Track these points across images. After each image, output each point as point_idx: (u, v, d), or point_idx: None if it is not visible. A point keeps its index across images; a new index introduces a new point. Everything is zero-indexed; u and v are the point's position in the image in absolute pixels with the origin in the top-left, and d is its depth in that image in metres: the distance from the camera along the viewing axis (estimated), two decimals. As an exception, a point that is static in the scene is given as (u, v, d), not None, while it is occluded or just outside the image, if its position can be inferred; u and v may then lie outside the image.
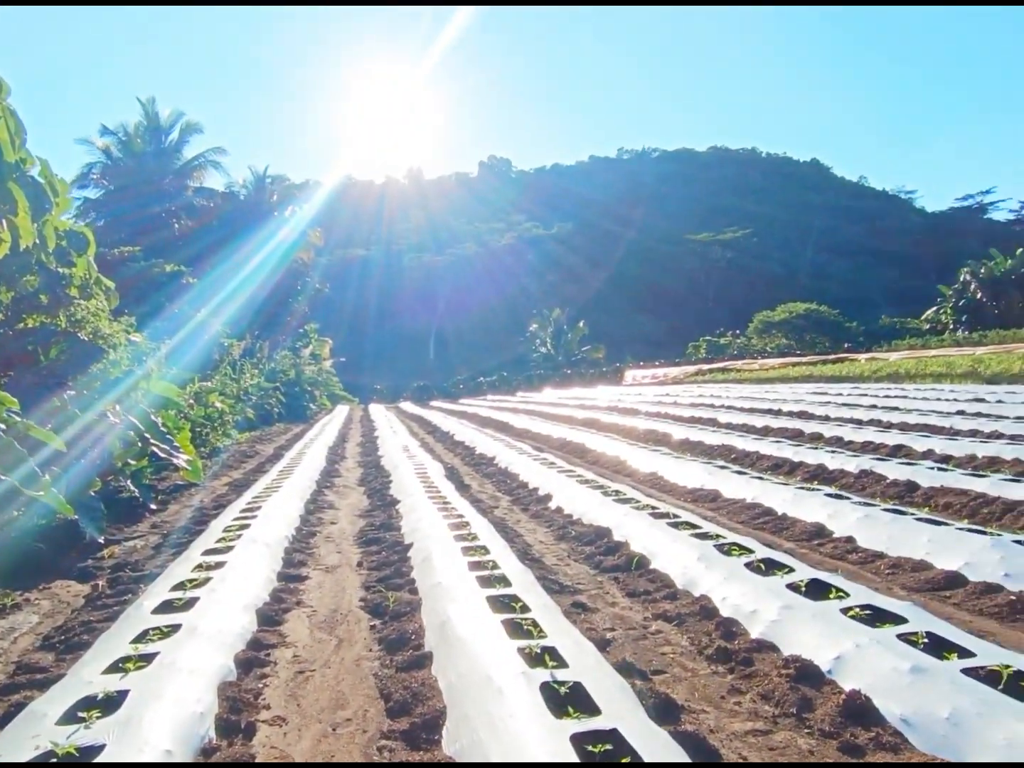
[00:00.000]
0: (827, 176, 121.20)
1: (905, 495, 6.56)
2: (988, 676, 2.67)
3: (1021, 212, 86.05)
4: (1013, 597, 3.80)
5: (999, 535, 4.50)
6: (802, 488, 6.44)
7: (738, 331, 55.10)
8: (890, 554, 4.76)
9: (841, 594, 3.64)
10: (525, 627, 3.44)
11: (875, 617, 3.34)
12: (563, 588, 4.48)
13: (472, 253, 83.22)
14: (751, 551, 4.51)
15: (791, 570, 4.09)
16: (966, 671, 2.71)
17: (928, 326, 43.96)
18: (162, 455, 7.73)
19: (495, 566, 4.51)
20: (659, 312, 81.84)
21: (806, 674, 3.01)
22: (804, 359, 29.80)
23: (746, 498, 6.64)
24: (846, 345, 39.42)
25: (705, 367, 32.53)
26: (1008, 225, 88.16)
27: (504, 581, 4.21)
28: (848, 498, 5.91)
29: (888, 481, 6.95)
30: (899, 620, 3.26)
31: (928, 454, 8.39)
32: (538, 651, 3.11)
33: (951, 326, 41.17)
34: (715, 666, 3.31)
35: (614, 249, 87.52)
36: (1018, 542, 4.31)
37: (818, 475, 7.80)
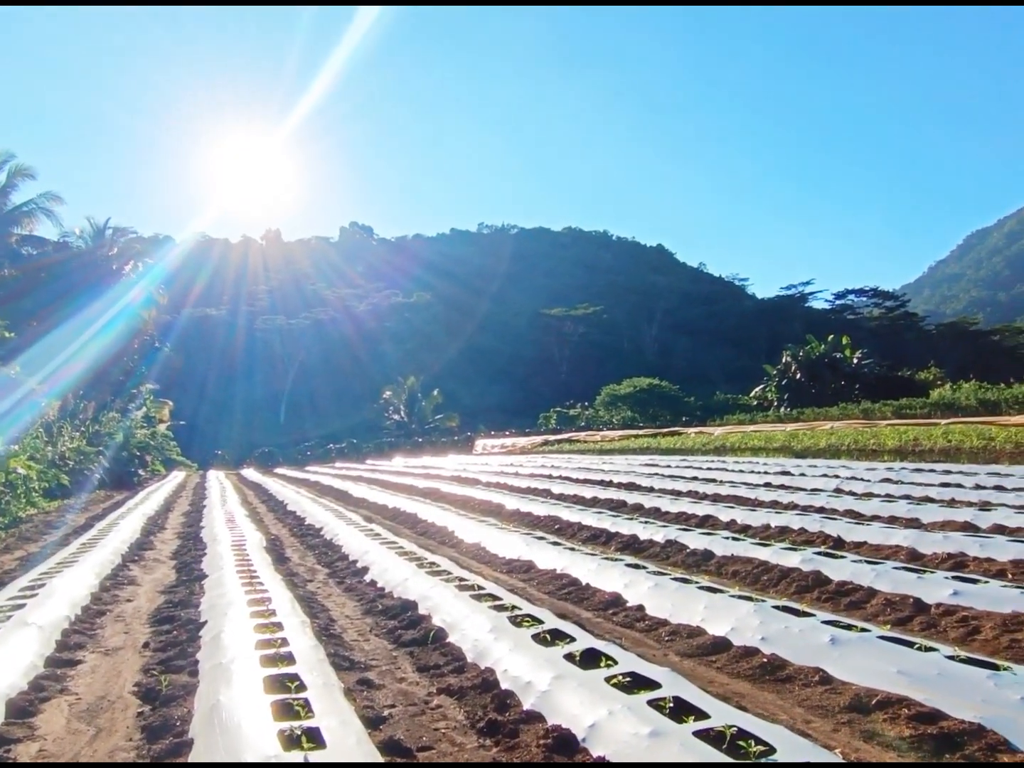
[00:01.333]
0: (671, 261, 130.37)
1: (701, 563, 7.00)
2: (715, 736, 2.89)
3: (835, 303, 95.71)
4: (765, 659, 4.13)
5: (763, 601, 4.90)
6: (607, 559, 6.72)
7: (587, 403, 57.23)
8: (672, 621, 5.05)
9: (610, 662, 3.82)
10: (295, 707, 3.37)
11: (635, 683, 3.53)
12: (354, 665, 4.42)
13: (329, 318, 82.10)
14: (542, 622, 4.65)
15: (572, 640, 4.24)
16: (697, 733, 2.91)
17: (756, 402, 47.53)
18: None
19: (284, 643, 4.39)
20: (515, 382, 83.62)
21: (563, 743, 3.12)
22: (641, 432, 31.37)
23: (556, 568, 6.84)
24: (683, 419, 41.91)
25: (552, 438, 33.48)
26: (825, 313, 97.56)
27: (289, 660, 4.10)
28: (644, 567, 6.24)
29: (689, 550, 7.39)
30: (654, 686, 3.47)
31: (730, 524, 9.02)
32: (299, 733, 3.05)
33: (775, 403, 44.72)
34: (483, 739, 3.36)
35: (472, 320, 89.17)
36: (777, 607, 4.71)
37: (630, 544, 8.18)
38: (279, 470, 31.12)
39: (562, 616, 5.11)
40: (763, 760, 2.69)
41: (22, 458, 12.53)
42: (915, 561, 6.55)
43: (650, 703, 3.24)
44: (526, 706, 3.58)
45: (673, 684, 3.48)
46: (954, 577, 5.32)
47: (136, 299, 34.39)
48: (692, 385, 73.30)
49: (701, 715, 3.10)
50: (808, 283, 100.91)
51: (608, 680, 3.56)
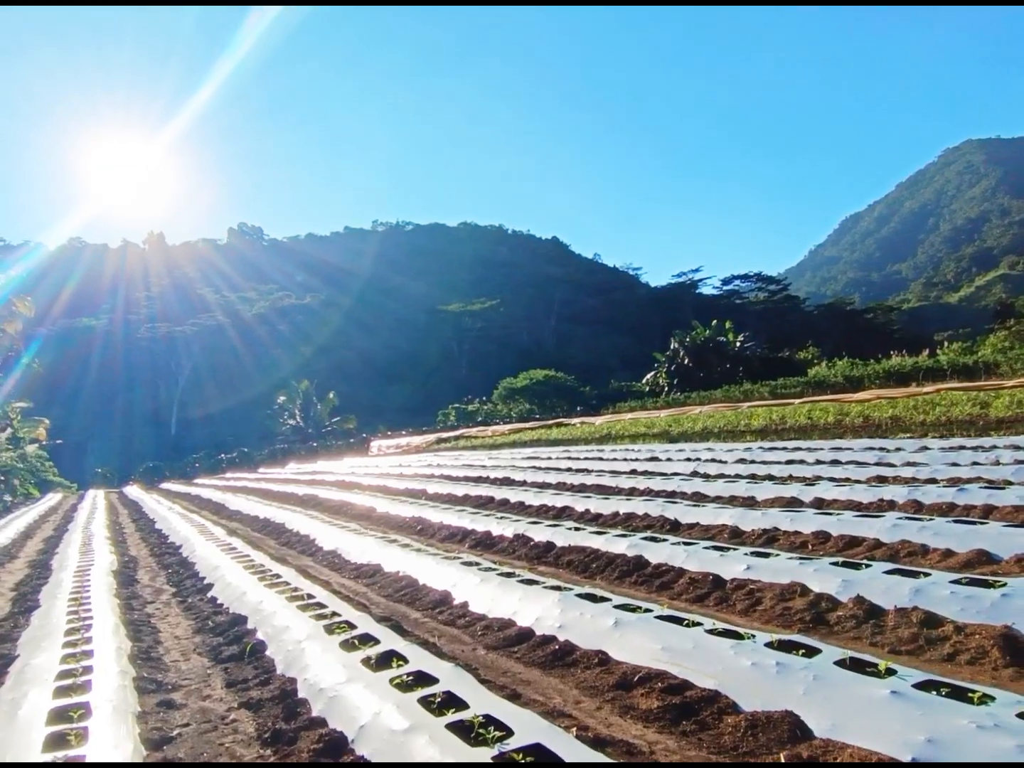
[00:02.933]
0: (566, 253, 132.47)
1: (543, 555, 7.28)
2: (465, 726, 3.07)
3: (722, 288, 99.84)
4: (558, 646, 4.39)
5: (571, 589, 5.18)
6: (446, 558, 6.89)
7: (485, 398, 57.58)
8: (490, 615, 5.27)
9: (401, 663, 3.98)
10: (69, 737, 3.36)
11: (417, 681, 3.69)
12: (160, 687, 4.41)
13: (219, 323, 79.31)
14: (355, 627, 4.76)
15: (376, 643, 4.37)
16: (450, 724, 3.10)
17: (648, 388, 49.01)
18: None
19: (87, 671, 4.34)
20: (415, 380, 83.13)
21: (334, 746, 3.26)
22: (528, 425, 31.91)
23: (400, 571, 6.97)
24: (578, 409, 42.84)
25: (444, 435, 33.57)
26: (714, 298, 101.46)
27: (84, 688, 4.06)
28: (478, 564, 6.44)
29: (533, 543, 7.67)
30: (433, 682, 3.64)
31: (584, 513, 9.38)
32: (60, 763, 3.06)
33: (666, 388, 46.26)
34: (264, 749, 3.45)
35: (367, 320, 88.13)
36: (581, 595, 4.99)
37: (482, 541, 8.40)
38: (164, 485, 29.99)
39: (384, 619, 5.24)
40: (502, 744, 2.88)
41: None
42: (736, 538, 7.02)
43: (421, 700, 3.41)
44: (314, 712, 3.69)
45: (452, 680, 3.66)
46: (753, 553, 5.75)
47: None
48: (591, 374, 74.91)
49: (462, 707, 3.29)
50: (697, 270, 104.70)
51: (392, 680, 3.70)
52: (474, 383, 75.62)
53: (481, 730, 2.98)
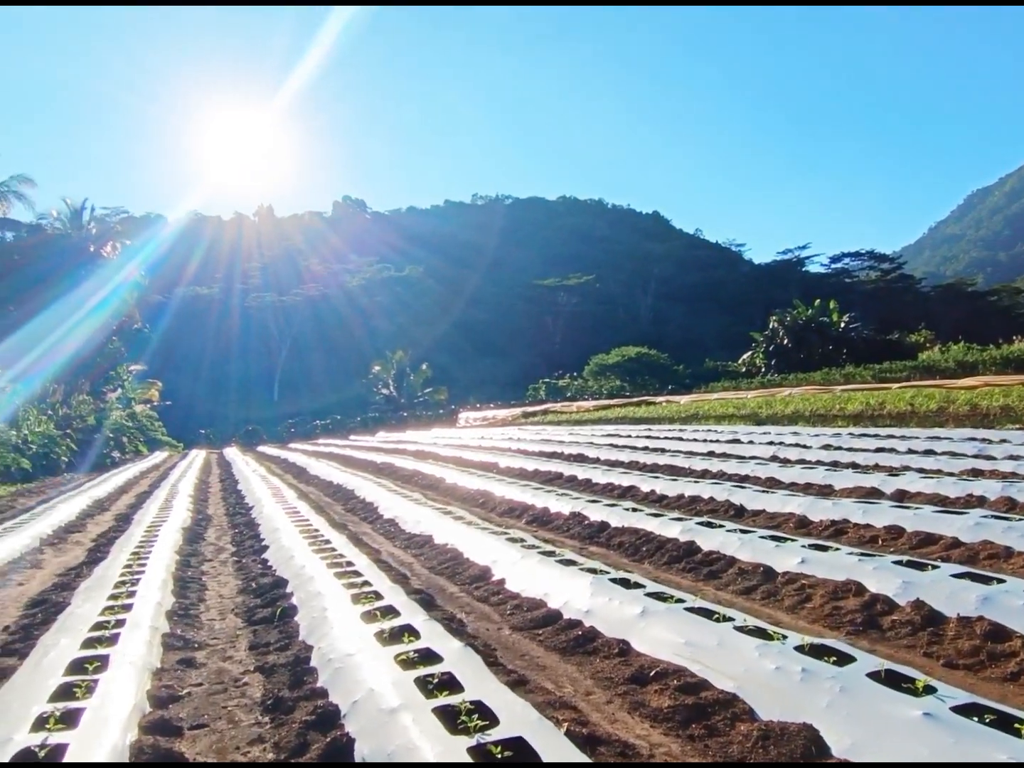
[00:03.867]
0: (667, 228, 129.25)
1: (595, 535, 7.04)
2: (451, 712, 2.92)
3: (830, 266, 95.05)
4: (581, 632, 4.17)
5: (606, 573, 4.93)
6: (493, 533, 6.76)
7: (576, 373, 57.15)
8: (523, 594, 5.10)
9: (412, 638, 3.86)
10: (75, 690, 3.41)
11: (422, 659, 3.56)
12: (187, 644, 4.48)
13: (322, 293, 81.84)
14: (381, 598, 4.69)
15: (396, 615, 4.28)
16: (436, 708, 2.95)
17: (744, 369, 47.41)
18: None
19: (119, 624, 4.44)
20: (508, 354, 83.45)
21: (325, 718, 3.17)
22: (613, 402, 31.34)
23: (448, 543, 6.89)
24: (669, 388, 41.92)
25: (530, 409, 33.47)
26: (822, 277, 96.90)
27: (110, 642, 4.14)
28: (523, 540, 6.27)
29: (587, 522, 7.44)
30: (437, 661, 3.50)
31: (649, 494, 9.07)
32: (59, 713, 3.10)
33: (763, 369, 44.61)
34: (262, 716, 3.41)
35: (464, 293, 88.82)
36: (614, 580, 4.74)
37: (539, 518, 8.24)
38: (260, 448, 31.26)
39: (416, 592, 5.17)
40: (483, 735, 2.71)
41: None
42: (801, 528, 6.59)
43: (419, 679, 3.28)
44: (318, 683, 3.62)
45: (457, 660, 3.51)
46: (812, 545, 5.34)
47: (116, 282, 34.31)
48: (686, 353, 73.21)
49: (457, 690, 3.13)
50: (804, 247, 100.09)
51: (397, 656, 3.59)
52: (567, 358, 75.24)
53: (465, 717, 2.81)
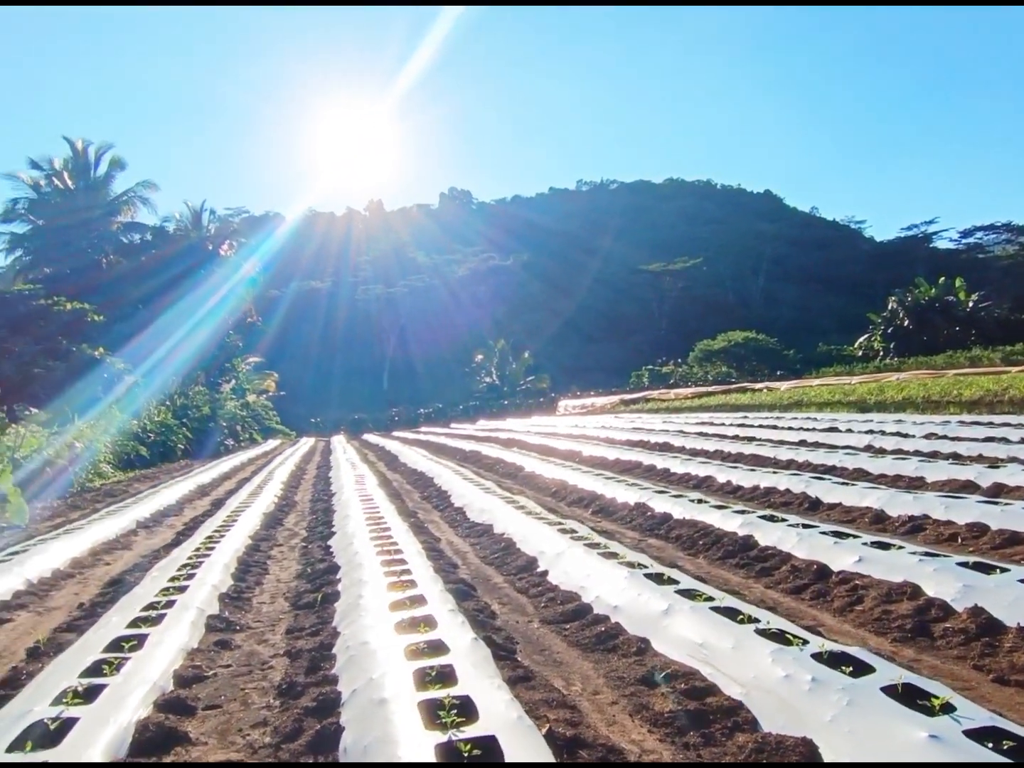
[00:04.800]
0: (779, 206, 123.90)
1: (656, 527, 6.85)
2: (433, 706, 2.88)
3: (961, 241, 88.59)
4: (604, 629, 4.04)
5: (644, 568, 4.76)
6: (548, 522, 6.67)
7: (680, 360, 55.85)
8: (561, 587, 5.00)
9: (427, 629, 3.85)
10: (106, 665, 3.60)
11: (430, 650, 3.54)
12: (229, 626, 4.64)
13: (427, 284, 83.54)
14: (415, 586, 4.71)
15: (422, 604, 4.28)
16: (423, 701, 2.92)
17: (861, 352, 44.94)
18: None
19: (168, 605, 4.66)
20: (613, 341, 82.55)
21: (324, 706, 3.21)
22: (710, 389, 30.36)
23: (505, 532, 6.87)
24: (778, 373, 40.30)
25: (627, 397, 32.98)
26: (952, 253, 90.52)
27: (155, 621, 4.36)
28: (574, 531, 6.16)
29: (650, 514, 7.24)
30: (444, 653, 3.48)
31: (724, 485, 8.76)
32: (82, 689, 3.27)
33: (880, 353, 42.16)
34: (274, 700, 3.49)
35: (570, 279, 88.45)
36: (649, 575, 4.57)
37: (604, 508, 8.10)
38: (365, 436, 32.30)
39: (458, 582, 5.17)
40: (457, 732, 2.66)
41: (86, 430, 13.60)
42: (877, 524, 6.19)
43: (418, 671, 3.26)
44: (333, 670, 3.68)
45: (463, 654, 3.47)
46: (873, 543, 4.97)
47: (233, 279, 36.26)
48: (800, 337, 70.17)
49: (450, 683, 3.09)
50: (932, 222, 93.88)
51: (407, 647, 3.59)
52: (673, 344, 73.67)
53: (444, 712, 2.77)
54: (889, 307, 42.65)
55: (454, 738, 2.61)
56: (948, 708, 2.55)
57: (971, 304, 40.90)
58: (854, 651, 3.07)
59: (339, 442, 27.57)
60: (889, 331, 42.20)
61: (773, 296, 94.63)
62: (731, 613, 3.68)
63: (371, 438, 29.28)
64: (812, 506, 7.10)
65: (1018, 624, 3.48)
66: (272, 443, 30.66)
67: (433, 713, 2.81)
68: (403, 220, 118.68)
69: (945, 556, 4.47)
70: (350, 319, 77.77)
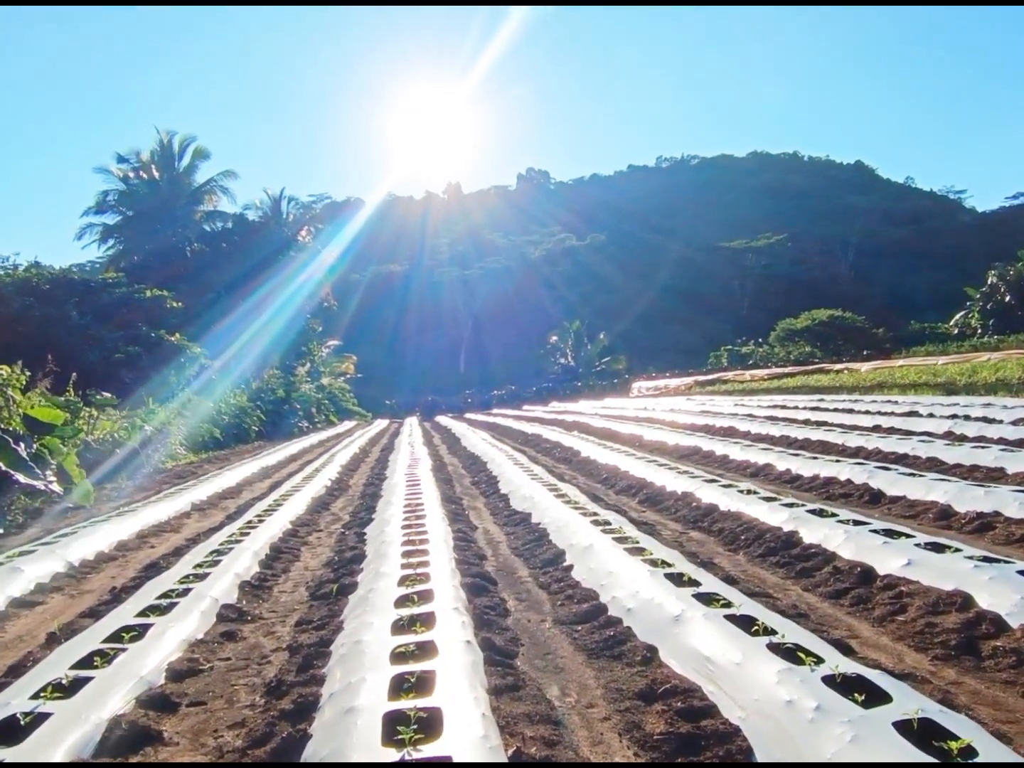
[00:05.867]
0: (871, 178, 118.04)
1: (700, 519, 6.51)
2: (401, 717, 2.70)
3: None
4: (614, 632, 3.77)
5: (670, 566, 4.45)
6: (584, 513, 6.39)
7: (761, 340, 54.03)
8: (583, 584, 4.75)
9: (422, 630, 3.67)
10: (99, 656, 3.57)
11: (418, 654, 3.37)
12: (241, 616, 4.59)
13: (504, 266, 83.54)
14: (426, 581, 4.54)
15: (427, 602, 4.11)
16: (388, 713, 2.74)
17: (957, 330, 42.42)
18: (24, 481, 8.12)
19: (184, 593, 4.65)
20: (694, 321, 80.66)
21: (303, 708, 3.08)
22: (787, 370, 29.12)
23: (542, 522, 6.63)
24: (864, 353, 38.42)
25: (701, 378, 32.06)
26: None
27: (166, 610, 4.34)
28: (608, 523, 5.87)
29: (695, 505, 6.89)
30: (431, 657, 3.29)
31: (783, 474, 8.31)
32: (68, 682, 3.24)
33: (979, 330, 39.66)
34: (259, 698, 3.38)
35: (648, 258, 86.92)
36: (671, 575, 4.26)
37: (652, 497, 7.78)
38: (438, 418, 32.57)
39: (477, 576, 4.99)
40: (412, 750, 2.47)
41: (160, 413, 14.07)
42: (941, 520, 5.69)
43: (396, 676, 3.09)
44: (323, 669, 3.54)
45: (451, 658, 3.28)
46: (926, 544, 4.51)
47: (311, 265, 37.04)
48: (893, 314, 66.98)
49: (425, 693, 2.90)
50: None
51: (395, 648, 3.42)
52: (756, 323, 71.43)
53: (402, 727, 2.57)
54: (989, 282, 40.09)
55: (408, 757, 2.42)
56: (970, 752, 2.19)
57: (1082, 277, 37.97)
58: (873, 675, 2.72)
59: (410, 424, 27.87)
60: (988, 307, 39.69)
61: (864, 272, 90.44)
62: (746, 623, 3.36)
63: (442, 420, 29.47)
64: (873, 499, 6.60)
65: (1080, 646, 3.03)
66: (347, 424, 31.30)
67: (395, 727, 2.63)
68: (480, 202, 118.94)
69: (1007, 562, 4.00)
70: (427, 302, 78.60)
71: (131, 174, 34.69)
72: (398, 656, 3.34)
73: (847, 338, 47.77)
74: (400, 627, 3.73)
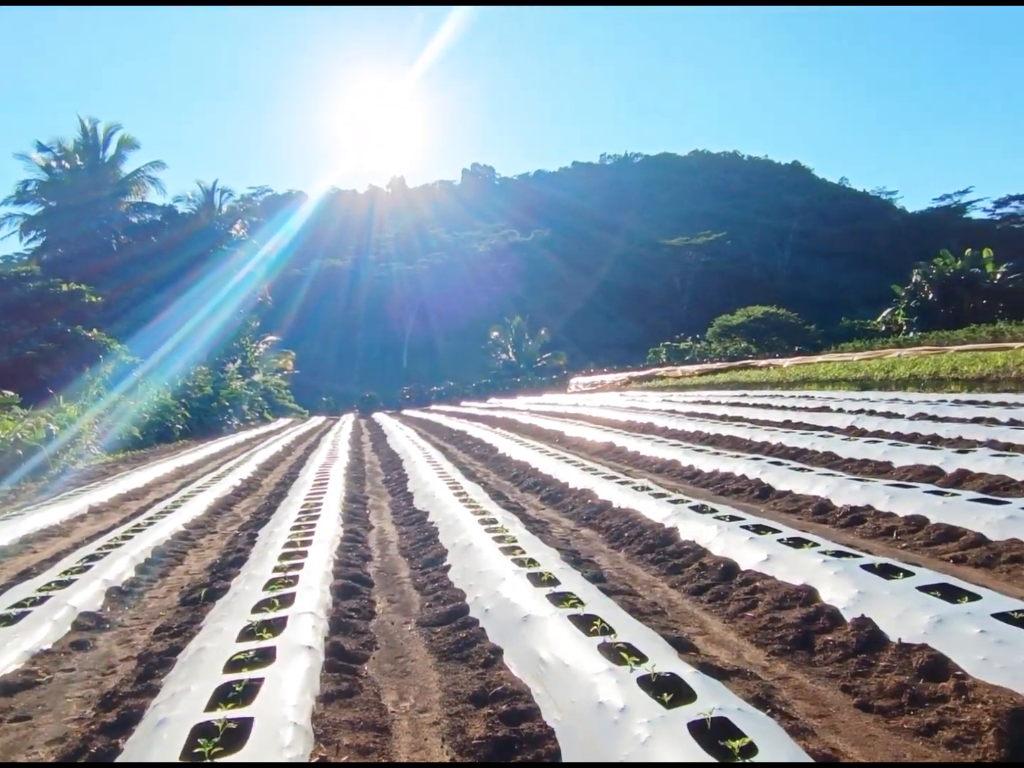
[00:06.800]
0: (808, 178, 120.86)
1: (593, 516, 6.54)
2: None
3: (995, 212, 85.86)
4: (467, 635, 3.75)
5: (536, 565, 4.45)
6: (476, 512, 6.37)
7: (698, 336, 54.92)
8: (456, 584, 4.71)
9: (270, 635, 3.59)
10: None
11: (259, 659, 3.28)
12: (99, 624, 4.43)
13: (446, 262, 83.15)
14: (292, 586, 4.46)
15: (290, 604, 4.02)
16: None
17: (884, 327, 43.75)
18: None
19: (61, 585, 4.46)
20: (637, 316, 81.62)
21: (118, 725, 2.97)
22: (716, 366, 29.74)
23: (436, 521, 6.59)
24: (796, 348, 39.41)
25: (636, 374, 32.47)
26: (987, 224, 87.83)
27: (38, 603, 4.16)
28: (493, 522, 5.86)
29: (591, 502, 6.92)
30: (268, 663, 3.21)
31: (687, 469, 8.44)
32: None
33: (904, 327, 40.98)
34: (90, 712, 3.26)
35: (593, 254, 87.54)
36: (533, 576, 4.26)
37: (553, 495, 7.79)
38: (375, 415, 32.23)
39: (350, 578, 4.92)
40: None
41: (69, 411, 13.57)
42: (819, 515, 5.84)
43: (220, 687, 3.01)
44: (162, 680, 3.43)
45: (289, 666, 3.21)
46: (789, 540, 4.61)
47: (243, 258, 36.20)
48: (827, 311, 68.80)
49: (247, 702, 2.83)
50: (966, 192, 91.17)
51: (233, 657, 3.33)
52: (696, 320, 72.56)
53: (204, 739, 2.50)
54: (913, 280, 41.44)
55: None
56: (750, 750, 2.22)
57: (999, 276, 39.54)
58: (686, 674, 2.74)
59: (344, 421, 27.53)
60: (913, 305, 41.05)
61: (800, 270, 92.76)
62: (586, 621, 3.36)
63: (377, 417, 29.18)
64: (762, 494, 6.74)
65: (899, 640, 3.12)
66: (281, 422, 30.73)
67: (199, 740, 2.56)
68: (425, 196, 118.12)
69: (856, 556, 4.11)
70: (370, 297, 77.74)
71: (54, 163, 33.30)
72: (234, 664, 3.25)
73: (780, 333, 48.88)
74: (247, 633, 3.65)
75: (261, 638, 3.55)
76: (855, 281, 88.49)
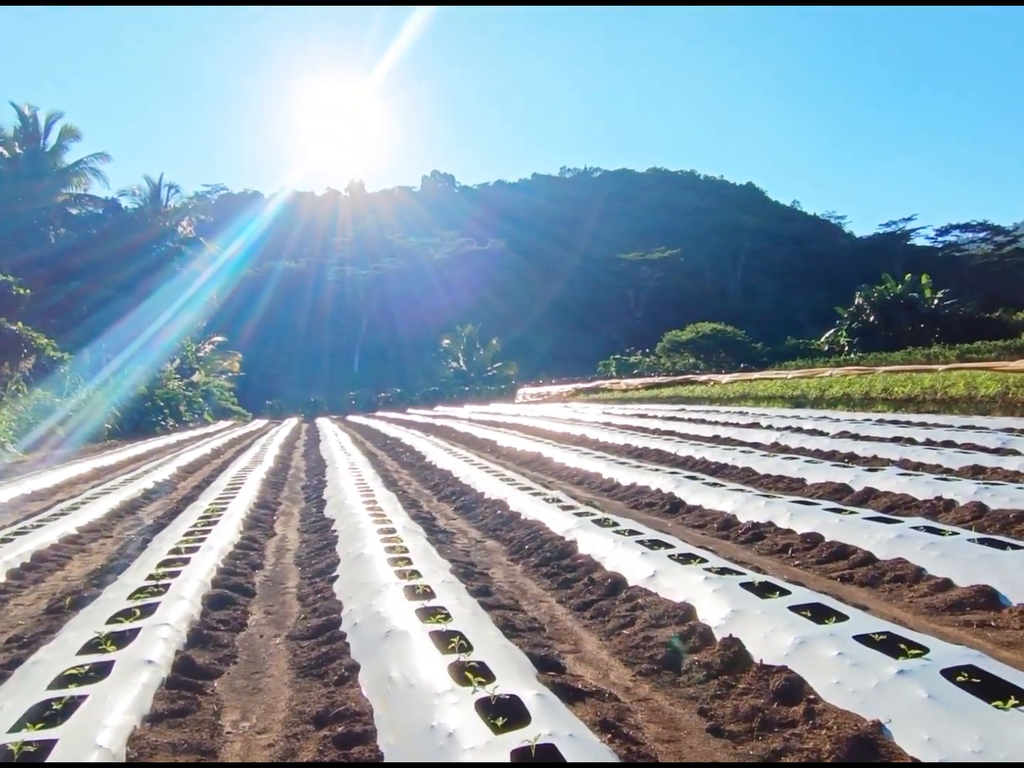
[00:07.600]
0: (762, 199, 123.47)
1: (502, 526, 6.42)
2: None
3: (937, 239, 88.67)
4: (329, 650, 3.57)
5: (417, 576, 4.29)
6: (378, 519, 6.19)
7: (648, 350, 55.46)
8: (336, 597, 4.53)
9: (113, 649, 3.36)
10: None
11: (94, 672, 3.06)
12: (-56, 635, 4.13)
13: (400, 268, 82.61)
14: (164, 591, 4.23)
15: (151, 613, 3.80)
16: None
17: (827, 347, 44.75)
18: None
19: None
20: (589, 329, 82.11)
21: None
22: (659, 380, 30.08)
23: (338, 531, 6.39)
24: (742, 365, 40.05)
25: (582, 386, 32.62)
26: (928, 251, 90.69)
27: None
28: (392, 531, 5.69)
29: (500, 512, 6.80)
30: (104, 676, 2.99)
31: (606, 482, 8.35)
32: None
33: (846, 348, 41.96)
34: None
35: (547, 267, 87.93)
36: (408, 588, 4.10)
37: (466, 505, 7.65)
38: (318, 419, 31.71)
39: (230, 587, 4.71)
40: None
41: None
42: (723, 530, 5.83)
43: (42, 702, 2.79)
44: (-10, 696, 3.19)
45: (116, 681, 3.00)
46: (679, 555, 4.54)
47: (192, 257, 35.36)
48: (776, 330, 70.11)
49: (61, 722, 2.61)
50: (910, 219, 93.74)
51: (66, 671, 3.10)
52: (648, 334, 73.25)
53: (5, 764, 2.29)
54: (856, 302, 42.50)
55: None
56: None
57: (936, 301, 40.80)
58: (528, 696, 2.61)
59: (286, 425, 27.03)
60: (855, 326, 42.09)
61: (751, 289, 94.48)
62: (446, 639, 3.21)
63: (320, 422, 28.71)
64: (673, 508, 6.70)
65: (761, 660, 3.04)
66: (221, 424, 30.02)
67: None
68: (385, 202, 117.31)
69: (739, 574, 4.05)
70: (323, 300, 76.79)
71: (-13, 149, 32.15)
72: (64, 680, 3.03)
73: (728, 350, 49.62)
74: (92, 646, 3.42)
75: (104, 651, 3.33)
76: (804, 301, 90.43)
